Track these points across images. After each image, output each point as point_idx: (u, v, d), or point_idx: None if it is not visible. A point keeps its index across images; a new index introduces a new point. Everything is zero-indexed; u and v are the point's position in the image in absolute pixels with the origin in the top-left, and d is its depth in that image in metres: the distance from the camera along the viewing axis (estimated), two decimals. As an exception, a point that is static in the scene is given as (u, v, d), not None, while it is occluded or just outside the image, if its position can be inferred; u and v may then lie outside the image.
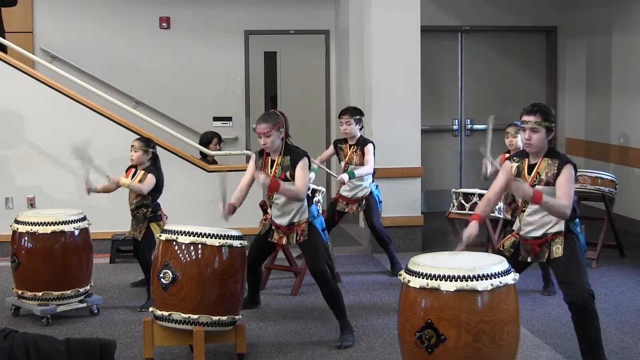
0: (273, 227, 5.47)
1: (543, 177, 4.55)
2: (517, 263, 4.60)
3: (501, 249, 4.76)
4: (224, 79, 10.17)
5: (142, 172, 6.30)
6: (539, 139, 4.56)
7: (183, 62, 10.06)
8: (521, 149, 6.39)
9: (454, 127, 10.47)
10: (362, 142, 6.97)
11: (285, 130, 5.32)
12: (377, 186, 7.10)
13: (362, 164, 6.91)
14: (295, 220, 5.36)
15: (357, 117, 7.00)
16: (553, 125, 4.60)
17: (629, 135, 9.12)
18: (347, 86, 9.61)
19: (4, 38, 8.36)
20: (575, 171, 4.57)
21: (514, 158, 4.76)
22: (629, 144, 9.11)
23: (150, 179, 6.22)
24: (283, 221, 5.38)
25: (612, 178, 7.55)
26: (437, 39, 10.14)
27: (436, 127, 10.34)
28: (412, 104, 7.95)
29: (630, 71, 9.10)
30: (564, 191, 4.47)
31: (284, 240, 5.44)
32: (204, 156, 8.88)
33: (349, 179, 6.83)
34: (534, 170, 4.59)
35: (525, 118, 4.60)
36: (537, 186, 4.54)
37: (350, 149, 7.01)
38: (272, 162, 5.36)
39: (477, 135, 10.50)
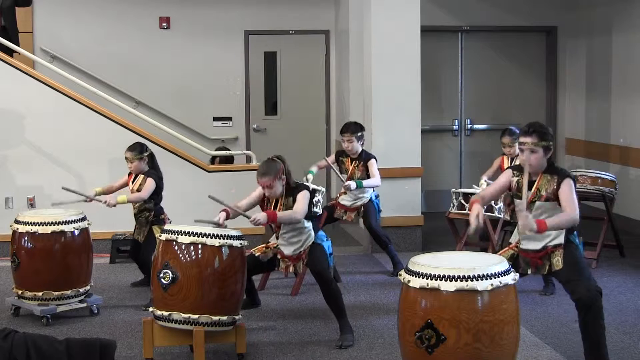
0: (279, 257, 5.46)
1: (543, 193, 4.59)
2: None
3: None
4: (224, 79, 10.17)
5: (142, 176, 6.32)
6: (537, 159, 4.60)
7: (183, 62, 10.06)
8: (517, 154, 6.46)
9: (454, 127, 10.47)
10: (364, 157, 7.00)
11: (287, 174, 5.32)
12: (377, 196, 7.11)
13: (363, 177, 6.95)
14: (302, 249, 5.40)
15: (359, 134, 7.02)
16: (551, 143, 4.62)
17: (629, 135, 9.12)
18: (347, 86, 9.60)
19: (17, 38, 8.43)
20: (575, 183, 4.61)
21: (515, 172, 4.76)
22: (629, 144, 9.11)
23: (150, 184, 6.25)
24: (288, 250, 5.40)
25: (612, 178, 7.55)
26: (437, 39, 10.14)
27: (436, 127, 10.34)
28: (412, 104, 7.95)
29: (630, 71, 9.10)
30: (568, 201, 4.49)
31: (291, 269, 5.47)
32: (212, 159, 9.02)
33: (356, 187, 6.84)
34: (534, 187, 4.61)
35: (522, 139, 4.64)
36: (537, 202, 4.57)
37: (352, 163, 7.03)
38: (277, 201, 5.36)
39: (477, 135, 10.51)
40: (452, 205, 7.21)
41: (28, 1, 8.75)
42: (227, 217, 5.22)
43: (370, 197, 7.04)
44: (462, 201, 7.10)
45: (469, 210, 4.62)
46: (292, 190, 5.33)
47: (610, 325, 5.56)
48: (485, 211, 6.90)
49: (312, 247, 5.39)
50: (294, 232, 5.36)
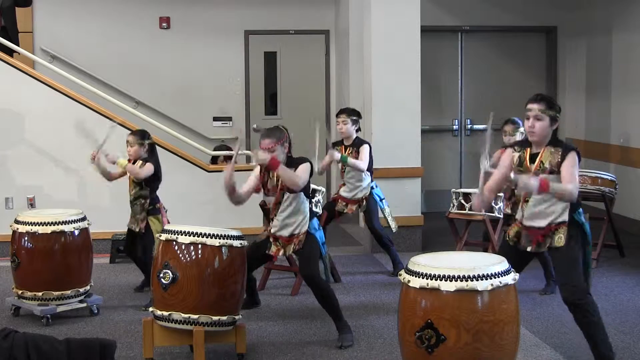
0: (271, 240, 5.44)
1: (547, 165, 4.52)
2: (517, 258, 4.59)
3: (507, 238, 4.73)
4: (224, 79, 10.17)
5: (140, 162, 6.28)
6: (542, 126, 4.54)
7: (183, 62, 10.06)
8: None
9: (454, 127, 10.47)
10: (357, 143, 6.99)
11: (289, 145, 5.32)
12: (376, 185, 7.11)
13: None
14: (296, 232, 5.34)
15: (354, 118, 7.02)
16: (557, 115, 4.59)
17: (629, 135, 9.12)
18: (347, 86, 9.61)
19: (17, 38, 8.45)
20: (579, 157, 4.56)
21: (516, 147, 4.72)
22: (629, 144, 9.11)
23: (149, 167, 6.21)
24: (284, 233, 5.36)
25: (612, 178, 7.55)
26: (437, 39, 10.15)
27: (436, 127, 10.34)
28: (412, 104, 7.95)
29: (630, 71, 9.10)
30: (569, 175, 4.44)
31: (281, 252, 5.41)
32: (214, 160, 9.02)
33: (340, 159, 6.81)
34: (537, 159, 4.55)
35: (529, 106, 4.59)
36: (540, 175, 4.48)
37: (346, 150, 7.02)
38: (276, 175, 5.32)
39: (477, 135, 10.50)
40: (452, 205, 7.20)
41: (28, 1, 8.77)
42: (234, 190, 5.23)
43: (371, 191, 7.02)
44: (462, 201, 7.10)
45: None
46: (294, 161, 5.27)
47: (610, 325, 5.56)
48: (486, 211, 6.92)
49: (306, 241, 5.31)
50: (290, 211, 5.28)
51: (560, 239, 4.53)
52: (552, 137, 4.60)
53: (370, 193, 7.01)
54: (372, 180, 7.06)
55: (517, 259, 4.46)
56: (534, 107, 4.55)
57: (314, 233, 5.36)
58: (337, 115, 7.11)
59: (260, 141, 5.25)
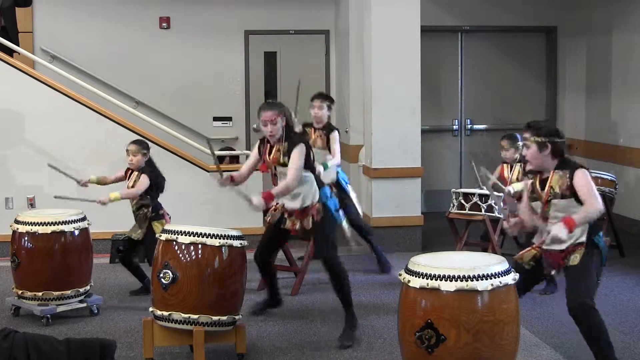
0: (285, 215, 5.46)
1: (557, 190, 4.55)
2: (531, 276, 4.63)
3: (520, 261, 4.70)
4: (224, 79, 10.17)
5: (137, 173, 6.34)
6: (532, 154, 4.61)
7: (183, 62, 10.06)
8: (517, 160, 6.62)
9: (454, 127, 10.47)
10: (328, 128, 7.02)
11: (286, 119, 5.34)
12: (341, 169, 7.13)
13: (324, 147, 6.95)
14: (308, 202, 5.35)
15: (328, 104, 7.10)
16: (547, 141, 4.58)
17: (629, 135, 9.12)
18: (347, 86, 9.61)
19: (17, 38, 8.45)
20: (589, 173, 4.58)
21: (529, 175, 4.78)
22: (629, 144, 9.11)
23: (144, 180, 6.26)
24: (295, 204, 5.36)
25: (612, 178, 7.55)
26: (437, 39, 10.14)
27: (436, 127, 10.34)
28: (412, 104, 7.95)
29: (630, 71, 9.10)
30: (587, 192, 4.47)
31: (298, 225, 5.40)
32: (220, 160, 9.08)
33: (324, 170, 6.75)
34: (547, 185, 4.59)
35: (524, 135, 4.71)
36: (552, 200, 4.54)
37: (315, 132, 7.04)
38: (272, 147, 5.37)
39: (477, 135, 10.51)
40: (452, 205, 7.20)
41: (28, 1, 8.78)
42: (232, 180, 5.39)
43: (340, 185, 6.98)
44: (462, 201, 7.09)
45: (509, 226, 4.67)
46: (291, 136, 5.30)
47: (610, 325, 5.53)
48: (486, 211, 6.93)
49: (325, 215, 5.31)
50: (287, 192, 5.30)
51: (575, 258, 4.54)
52: (560, 160, 4.61)
53: (343, 188, 6.97)
54: (338, 165, 7.04)
55: (529, 279, 4.50)
56: (525, 136, 4.68)
57: (326, 202, 5.37)
58: (312, 100, 7.15)
59: (262, 113, 5.30)
